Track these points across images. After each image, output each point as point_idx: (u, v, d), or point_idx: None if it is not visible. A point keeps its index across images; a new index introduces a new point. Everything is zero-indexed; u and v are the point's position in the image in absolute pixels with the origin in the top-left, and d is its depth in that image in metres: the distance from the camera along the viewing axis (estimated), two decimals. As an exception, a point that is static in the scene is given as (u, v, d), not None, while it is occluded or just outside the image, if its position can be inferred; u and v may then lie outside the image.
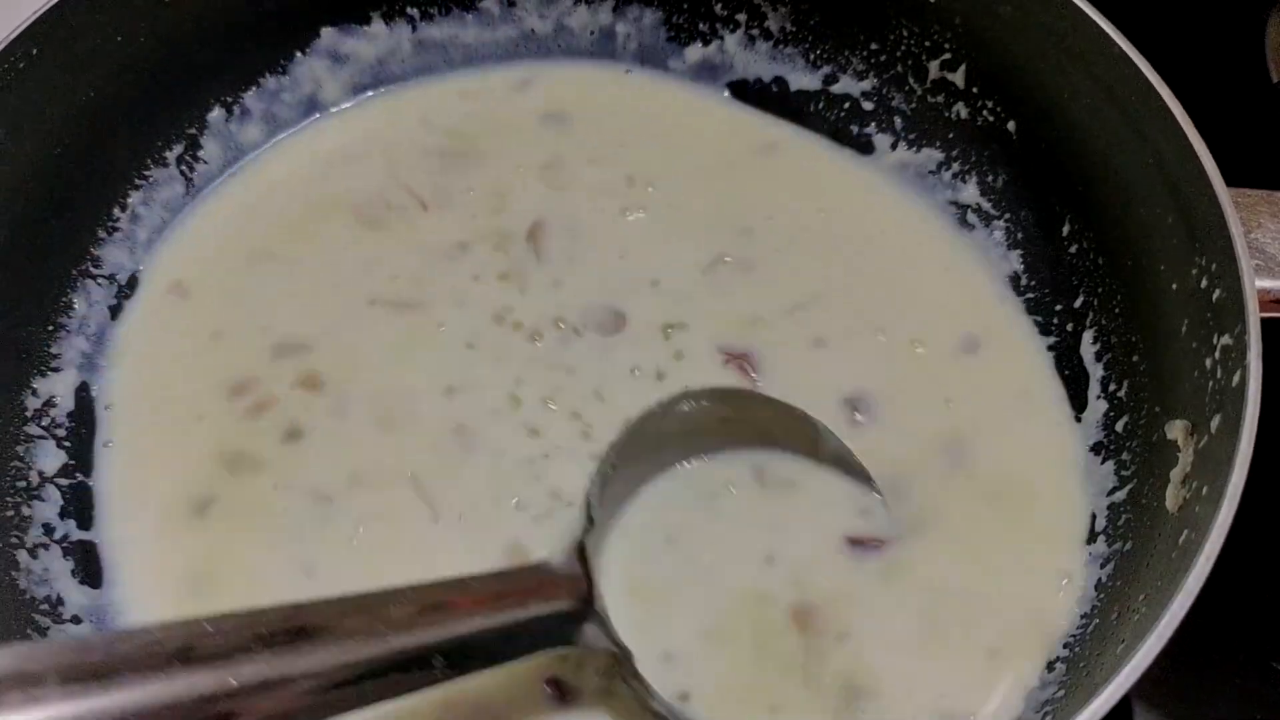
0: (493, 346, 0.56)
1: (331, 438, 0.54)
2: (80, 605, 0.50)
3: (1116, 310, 0.54)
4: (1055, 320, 0.57)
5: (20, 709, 0.30)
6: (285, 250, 0.60)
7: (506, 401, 0.54)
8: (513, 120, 0.64)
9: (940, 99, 0.62)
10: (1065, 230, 0.57)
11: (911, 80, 0.62)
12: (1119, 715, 0.41)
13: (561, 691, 0.47)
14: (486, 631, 0.41)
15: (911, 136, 0.63)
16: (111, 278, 0.59)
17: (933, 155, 0.62)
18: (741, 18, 0.65)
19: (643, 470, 0.51)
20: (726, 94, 0.66)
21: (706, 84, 0.66)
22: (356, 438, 0.54)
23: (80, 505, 0.53)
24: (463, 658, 0.40)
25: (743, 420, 0.52)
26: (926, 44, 0.61)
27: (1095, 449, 0.53)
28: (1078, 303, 0.56)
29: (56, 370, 0.55)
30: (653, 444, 0.50)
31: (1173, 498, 0.46)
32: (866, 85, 0.63)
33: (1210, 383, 0.46)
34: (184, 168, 0.62)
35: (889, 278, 0.59)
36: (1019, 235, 0.59)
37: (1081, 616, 0.49)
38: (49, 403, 0.55)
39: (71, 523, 0.52)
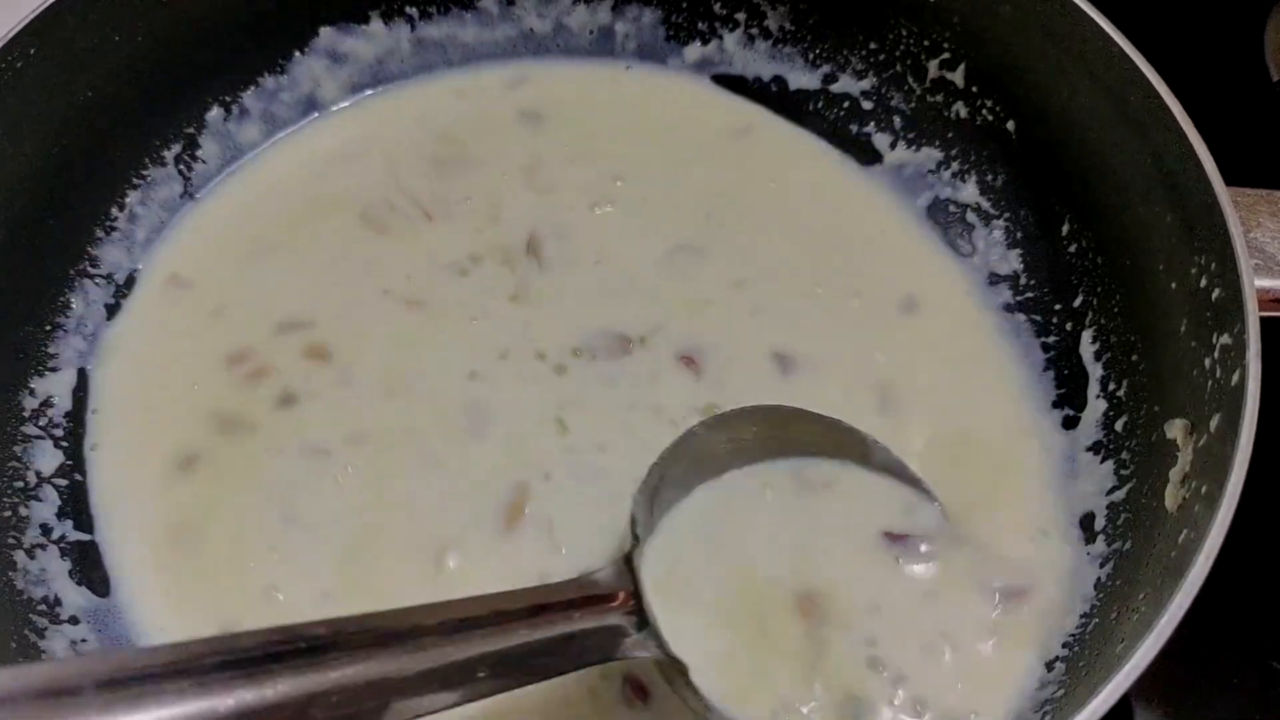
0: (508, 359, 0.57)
1: (334, 404, 0.54)
2: (78, 606, 0.50)
3: (1116, 309, 0.54)
4: (1054, 319, 0.57)
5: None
6: (289, 242, 0.60)
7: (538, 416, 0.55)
8: (500, 120, 0.64)
9: (939, 98, 0.62)
10: (1065, 229, 0.57)
11: (911, 80, 0.62)
12: (1118, 715, 0.41)
13: (640, 693, 0.48)
14: (532, 644, 0.40)
15: (911, 136, 0.63)
16: (109, 277, 0.59)
17: (932, 154, 0.62)
18: (741, 17, 0.65)
19: (687, 484, 0.50)
20: (708, 80, 0.66)
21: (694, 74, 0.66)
22: (359, 405, 0.54)
23: (77, 505, 0.53)
24: (508, 670, 0.40)
25: (787, 437, 0.51)
26: (926, 43, 0.61)
27: (1094, 448, 0.53)
28: (1077, 302, 0.56)
29: (54, 370, 0.55)
30: (695, 461, 0.50)
31: (1172, 497, 0.46)
32: (866, 84, 0.63)
33: (1209, 382, 0.46)
34: (182, 167, 0.62)
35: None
36: (1018, 234, 0.59)
37: (1081, 616, 0.49)
38: (46, 403, 0.55)
39: (69, 523, 0.52)
